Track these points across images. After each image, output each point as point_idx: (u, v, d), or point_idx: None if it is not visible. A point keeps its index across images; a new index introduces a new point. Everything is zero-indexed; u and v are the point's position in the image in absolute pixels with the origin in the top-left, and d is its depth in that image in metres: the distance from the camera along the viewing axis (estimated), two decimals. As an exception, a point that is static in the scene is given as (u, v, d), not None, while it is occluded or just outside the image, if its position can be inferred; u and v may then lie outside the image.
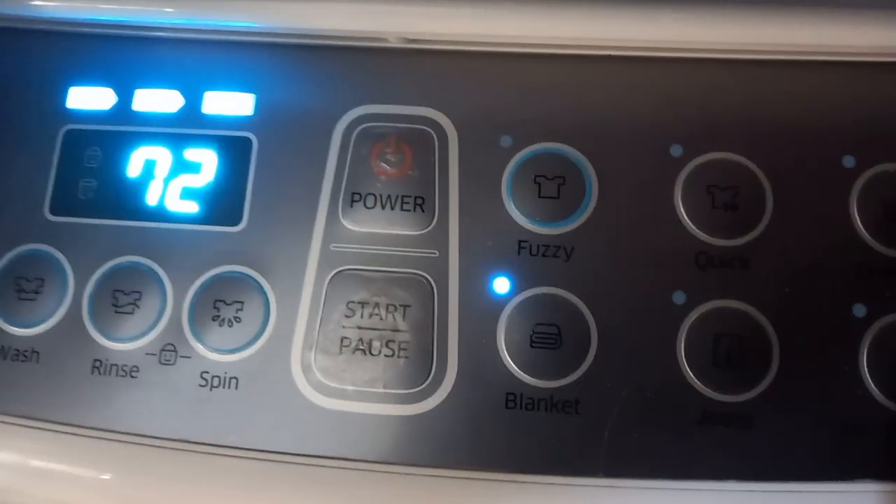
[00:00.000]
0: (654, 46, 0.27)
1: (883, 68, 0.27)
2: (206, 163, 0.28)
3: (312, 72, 0.28)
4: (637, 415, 0.25)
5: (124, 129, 0.29)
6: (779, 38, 0.26)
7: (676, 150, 0.27)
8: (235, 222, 0.27)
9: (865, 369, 0.25)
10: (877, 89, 0.27)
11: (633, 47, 0.27)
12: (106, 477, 0.26)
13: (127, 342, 0.27)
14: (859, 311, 0.26)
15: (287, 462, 0.26)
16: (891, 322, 0.25)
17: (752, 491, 0.25)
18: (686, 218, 0.26)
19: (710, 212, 0.26)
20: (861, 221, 0.26)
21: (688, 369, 0.25)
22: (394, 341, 0.26)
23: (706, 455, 0.25)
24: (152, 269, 0.27)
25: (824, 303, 0.26)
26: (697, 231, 0.26)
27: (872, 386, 0.25)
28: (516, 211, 0.27)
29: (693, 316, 0.26)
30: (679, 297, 0.26)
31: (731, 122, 0.27)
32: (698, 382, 0.25)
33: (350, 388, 0.26)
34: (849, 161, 0.27)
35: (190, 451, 0.26)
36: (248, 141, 0.28)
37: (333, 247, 0.27)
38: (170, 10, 0.28)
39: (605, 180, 0.27)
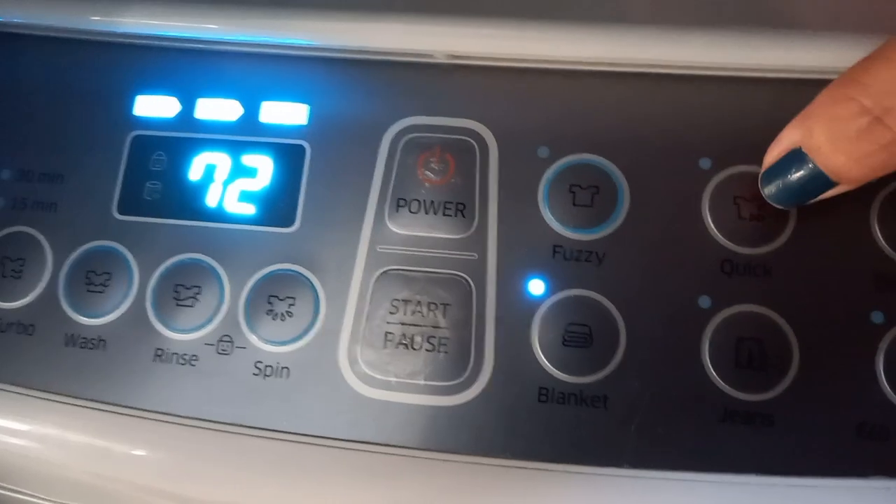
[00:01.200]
0: (685, 65, 0.29)
1: None
2: (263, 168, 0.30)
3: (362, 85, 0.30)
4: (662, 411, 0.26)
5: (187, 135, 0.31)
6: (804, 60, 0.28)
7: (705, 163, 0.28)
8: (289, 224, 0.29)
9: (882, 373, 0.26)
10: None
11: (665, 65, 0.29)
12: (166, 456, 0.28)
13: (187, 333, 0.29)
14: (877, 317, 0.27)
15: (334, 447, 0.27)
16: (908, 329, 0.27)
17: (770, 485, 0.26)
18: (713, 227, 0.28)
19: (737, 222, 0.28)
20: (881, 233, 0.27)
21: (711, 369, 0.27)
22: (434, 337, 0.28)
23: (727, 450, 0.26)
24: (211, 266, 0.29)
25: (843, 309, 0.27)
26: (723, 240, 0.28)
27: (888, 388, 0.26)
28: (552, 217, 0.28)
29: (717, 319, 0.27)
30: (704, 302, 0.27)
31: (758, 138, 0.28)
32: (721, 382, 0.27)
33: (393, 379, 0.28)
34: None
35: (244, 434, 0.28)
36: (301, 148, 0.30)
37: (380, 248, 0.29)
38: (231, 27, 0.31)
39: (637, 190, 0.28)
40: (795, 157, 0.25)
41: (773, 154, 0.26)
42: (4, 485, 0.31)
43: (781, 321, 0.27)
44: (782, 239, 0.28)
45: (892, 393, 0.26)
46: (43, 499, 0.31)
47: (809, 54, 0.28)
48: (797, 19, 0.28)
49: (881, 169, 0.23)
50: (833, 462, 0.26)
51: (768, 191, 0.26)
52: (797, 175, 0.25)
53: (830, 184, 0.24)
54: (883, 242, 0.27)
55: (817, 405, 0.26)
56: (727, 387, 0.27)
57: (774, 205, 0.27)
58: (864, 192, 0.27)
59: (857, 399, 0.26)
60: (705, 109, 0.29)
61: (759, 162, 0.28)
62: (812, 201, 0.26)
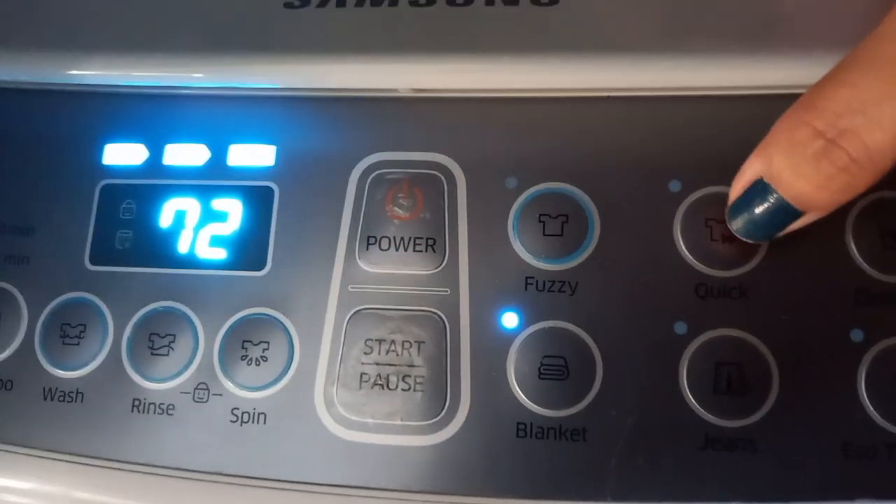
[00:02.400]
0: (648, 88, 0.28)
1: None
2: (233, 211, 0.30)
3: (328, 123, 0.30)
4: (642, 441, 0.26)
5: (156, 182, 0.31)
6: (770, 78, 0.27)
7: (675, 186, 0.28)
8: (260, 267, 0.29)
9: (864, 393, 0.26)
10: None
11: (630, 89, 0.28)
12: (147, 508, 0.28)
13: (163, 382, 0.29)
14: (857, 336, 0.26)
15: (312, 492, 0.27)
16: (888, 346, 0.26)
17: (756, 512, 0.26)
18: (686, 251, 0.27)
19: (710, 244, 0.27)
20: (857, 249, 0.27)
21: (690, 396, 0.26)
22: (410, 376, 0.28)
23: (711, 478, 0.26)
24: (185, 313, 0.29)
25: (822, 329, 0.26)
26: (697, 263, 0.27)
27: (871, 408, 0.26)
28: (522, 249, 0.28)
29: (694, 345, 0.27)
30: (680, 328, 0.27)
31: (728, 157, 0.28)
32: (701, 409, 0.26)
33: (370, 420, 0.27)
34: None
35: (223, 482, 0.27)
36: (270, 190, 0.30)
37: (351, 287, 0.29)
38: (196, 73, 0.30)
39: (607, 217, 0.28)
40: (759, 188, 0.24)
41: (738, 188, 0.25)
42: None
43: (760, 344, 0.27)
44: (757, 260, 0.27)
45: (874, 412, 0.26)
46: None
47: (777, 71, 0.27)
48: (761, 37, 0.28)
49: (844, 192, 0.23)
50: (819, 485, 0.26)
51: (736, 225, 0.26)
52: (762, 207, 0.24)
53: (797, 213, 0.24)
54: (859, 259, 0.27)
55: (800, 428, 0.26)
56: (707, 414, 0.26)
57: (744, 239, 0.26)
58: (839, 208, 0.27)
59: (840, 420, 0.26)
60: (673, 131, 0.28)
61: (730, 182, 0.27)
62: (781, 234, 0.25)
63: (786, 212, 0.24)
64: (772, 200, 0.24)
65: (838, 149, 0.22)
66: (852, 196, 0.23)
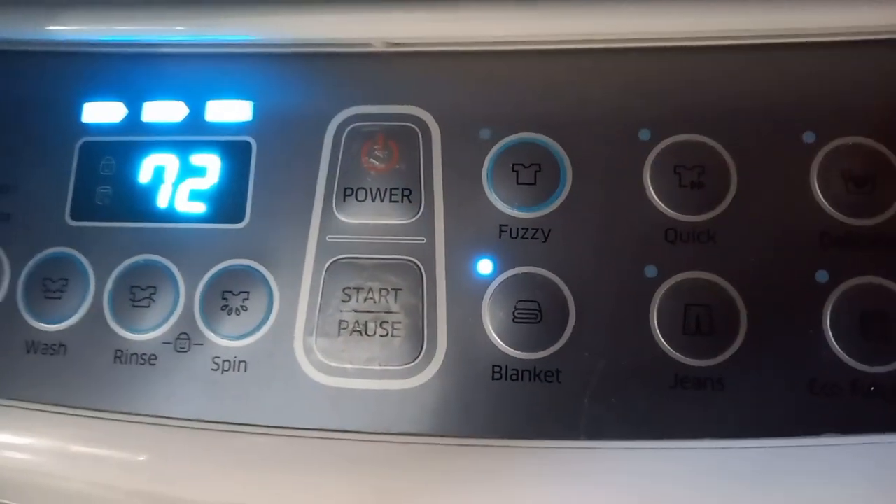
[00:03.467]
0: (618, 38, 0.29)
1: (835, 47, 0.28)
2: (211, 166, 0.30)
3: (304, 78, 0.31)
4: (614, 381, 0.27)
5: (135, 139, 0.31)
6: (733, 25, 0.28)
7: (644, 134, 0.29)
8: (239, 220, 0.30)
9: (829, 331, 0.27)
10: (830, 68, 0.28)
11: (599, 40, 0.29)
12: (129, 456, 0.28)
13: (145, 333, 0.29)
14: (822, 276, 0.27)
15: (293, 436, 0.28)
16: (852, 286, 0.27)
17: (725, 448, 0.26)
18: (655, 197, 0.28)
19: (678, 190, 0.28)
20: (822, 193, 0.28)
21: (661, 337, 0.27)
22: (387, 322, 0.28)
23: (680, 416, 0.26)
24: (165, 266, 0.30)
25: (788, 271, 0.27)
26: (666, 209, 0.28)
27: (836, 347, 0.26)
28: (496, 198, 0.29)
29: (664, 288, 0.27)
30: (651, 271, 0.28)
31: (695, 106, 0.29)
32: (671, 349, 0.27)
33: (349, 366, 0.28)
34: (809, 136, 0.28)
35: (205, 429, 0.28)
36: (247, 144, 0.30)
37: (329, 238, 0.29)
38: (174, 27, 0.31)
39: (579, 165, 0.29)
40: None
41: None
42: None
43: (728, 286, 0.27)
44: (724, 205, 0.28)
45: (840, 350, 0.27)
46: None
47: (736, 19, 0.28)
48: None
49: None
50: (786, 422, 0.26)
51: None
52: None
53: None
54: (824, 202, 0.28)
55: (767, 367, 0.27)
56: (677, 353, 0.27)
57: None
58: (804, 153, 0.28)
59: (806, 358, 0.27)
60: (641, 81, 0.29)
61: (696, 129, 0.28)
62: None
63: None
64: None
65: None
66: None
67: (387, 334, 0.28)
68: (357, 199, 0.29)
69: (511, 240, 0.28)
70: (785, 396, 0.26)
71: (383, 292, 0.28)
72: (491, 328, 0.28)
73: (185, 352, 0.29)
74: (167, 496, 0.28)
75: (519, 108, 0.29)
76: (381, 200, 0.29)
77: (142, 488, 0.29)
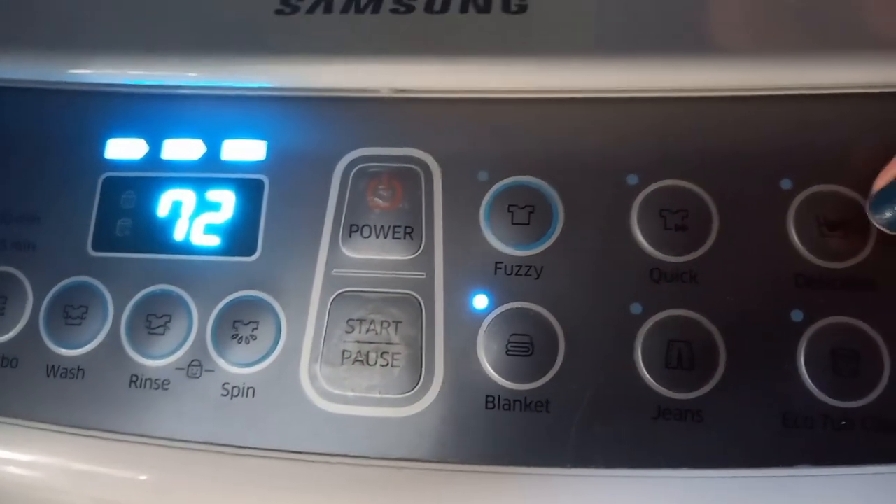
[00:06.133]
0: (608, 90, 0.31)
1: (810, 101, 0.30)
2: (226, 202, 0.32)
3: (315, 121, 0.33)
4: (600, 412, 0.28)
5: (155, 174, 0.33)
6: (715, 80, 0.30)
7: (632, 179, 0.30)
8: (251, 253, 0.31)
9: (803, 368, 0.28)
10: (806, 120, 0.30)
11: (590, 91, 0.31)
12: (143, 477, 0.30)
13: (159, 359, 0.31)
14: (797, 316, 0.29)
15: (297, 460, 0.29)
16: (825, 325, 0.28)
17: (703, 477, 0.28)
18: (641, 238, 0.30)
19: (663, 232, 0.30)
20: (797, 237, 0.29)
21: (644, 371, 0.29)
22: (388, 353, 0.30)
23: (662, 446, 0.28)
24: (180, 296, 0.31)
25: (765, 310, 0.29)
26: (652, 249, 0.30)
27: (810, 382, 0.28)
28: (493, 236, 0.30)
29: (648, 324, 0.29)
30: (636, 308, 0.29)
31: (680, 153, 0.30)
32: (654, 382, 0.28)
33: (351, 394, 0.30)
34: (786, 183, 0.30)
35: (215, 452, 0.29)
36: (261, 182, 0.32)
37: (335, 272, 0.31)
38: (192, 73, 0.33)
39: (570, 207, 0.30)
40: None
41: (886, 178, 0.26)
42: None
43: (708, 323, 0.29)
44: (706, 246, 0.30)
45: (813, 386, 0.28)
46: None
47: (718, 76, 0.30)
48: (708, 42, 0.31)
49: None
50: (761, 453, 0.28)
51: (885, 217, 0.27)
52: None
53: None
54: (800, 245, 0.29)
55: (744, 400, 0.28)
56: (659, 386, 0.28)
57: (888, 231, 0.27)
58: (781, 199, 0.30)
59: (781, 392, 0.28)
60: (631, 129, 0.31)
61: (681, 175, 0.30)
62: None
63: None
64: None
65: None
66: None
67: (387, 364, 0.30)
68: (362, 235, 0.31)
69: (506, 276, 0.30)
70: (761, 428, 0.28)
71: (385, 324, 0.30)
72: (485, 360, 0.29)
73: (197, 378, 0.30)
74: (177, 514, 0.30)
75: (515, 152, 0.31)
76: (385, 237, 0.31)
77: (152, 507, 0.30)
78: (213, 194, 0.32)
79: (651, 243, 0.30)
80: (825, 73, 0.30)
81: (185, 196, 0.32)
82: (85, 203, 0.33)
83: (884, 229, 0.28)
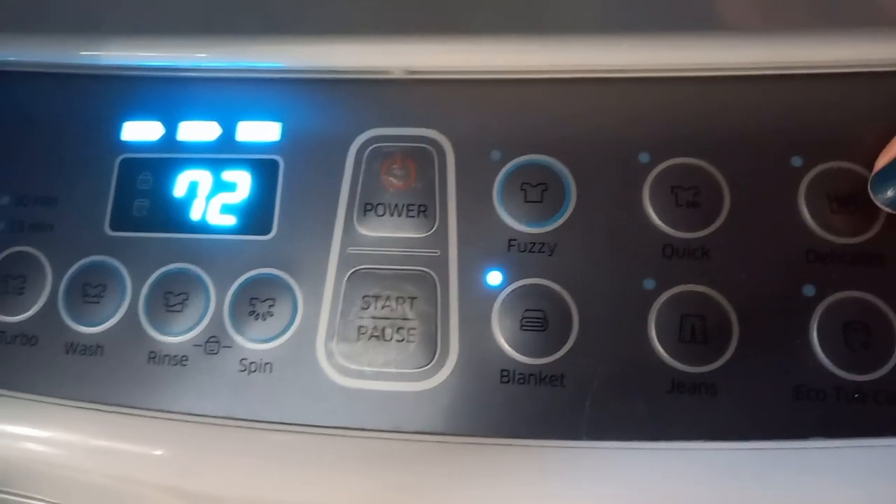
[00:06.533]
0: (620, 69, 0.31)
1: (820, 79, 0.31)
2: (241, 182, 0.32)
3: (329, 102, 0.33)
4: (614, 386, 0.29)
5: (171, 156, 0.33)
6: (725, 58, 0.30)
7: (644, 157, 0.31)
8: (266, 232, 0.32)
9: (815, 341, 0.28)
10: (816, 98, 0.31)
11: (602, 70, 0.31)
12: (161, 452, 0.30)
13: (177, 336, 0.31)
14: (809, 291, 0.29)
15: (314, 433, 0.29)
16: (837, 300, 0.29)
17: (717, 449, 0.28)
18: (653, 215, 0.30)
19: (675, 209, 0.30)
20: (808, 213, 0.30)
21: (658, 345, 0.29)
22: (403, 328, 0.30)
23: (675, 419, 0.28)
24: (197, 274, 0.32)
25: (777, 285, 0.29)
26: (663, 226, 0.30)
27: (822, 355, 0.28)
28: (506, 214, 0.31)
29: (661, 299, 0.29)
30: (649, 284, 0.30)
31: (691, 131, 0.31)
32: (667, 356, 0.29)
33: (367, 369, 0.30)
34: (797, 161, 0.30)
35: (232, 426, 0.30)
36: (275, 163, 0.32)
37: (350, 250, 0.31)
38: (207, 56, 0.33)
39: (583, 185, 0.31)
40: None
41: (886, 158, 0.26)
42: (12, 491, 0.33)
43: (721, 298, 0.29)
44: (718, 223, 0.30)
45: (825, 359, 0.28)
46: (48, 503, 0.33)
47: (731, 54, 0.30)
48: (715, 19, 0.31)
49: None
50: (775, 425, 0.28)
51: (887, 196, 0.27)
52: None
53: None
54: (811, 221, 0.30)
55: (757, 374, 0.28)
56: (673, 360, 0.29)
57: (889, 210, 0.28)
58: (792, 176, 0.30)
59: (793, 366, 0.28)
60: (641, 108, 0.31)
61: (692, 153, 0.30)
62: None
63: None
64: None
65: None
66: None
67: (402, 339, 0.30)
68: (376, 214, 0.31)
69: (519, 253, 0.30)
70: (773, 401, 0.28)
71: (400, 300, 0.30)
72: (500, 335, 0.30)
73: (215, 354, 0.31)
74: (195, 490, 0.30)
75: (527, 131, 0.31)
76: (399, 215, 0.31)
77: (171, 483, 0.30)
78: (228, 175, 0.33)
79: (663, 220, 0.30)
80: (835, 50, 0.30)
81: (201, 177, 0.33)
82: (102, 184, 0.33)
83: (885, 209, 0.28)
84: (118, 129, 0.34)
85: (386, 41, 0.32)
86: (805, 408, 0.28)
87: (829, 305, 0.29)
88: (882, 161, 0.28)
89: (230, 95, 0.34)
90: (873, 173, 0.28)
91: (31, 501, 0.34)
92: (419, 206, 0.31)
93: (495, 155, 0.31)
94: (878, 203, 0.28)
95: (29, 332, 0.32)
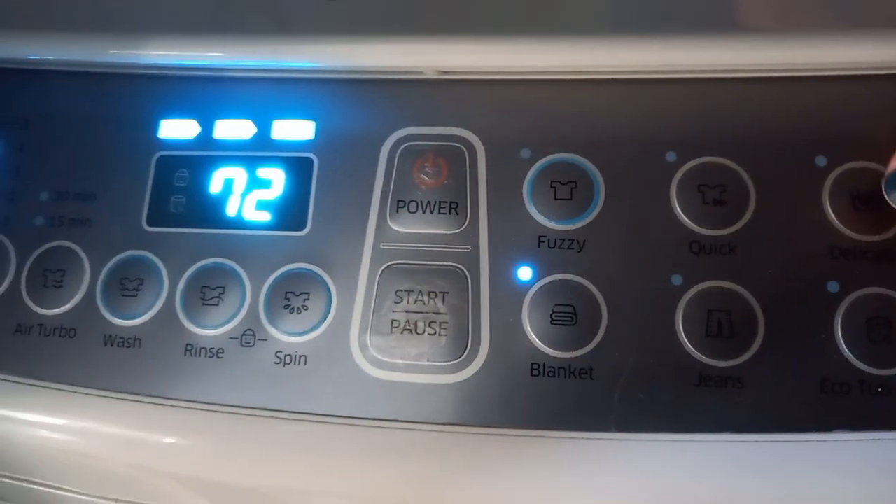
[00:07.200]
0: (648, 69, 0.32)
1: (845, 81, 0.31)
2: (276, 179, 0.33)
3: (362, 101, 0.34)
4: (643, 379, 0.29)
5: (207, 153, 0.34)
6: (752, 59, 0.31)
7: (671, 156, 0.31)
8: (301, 227, 0.32)
9: (840, 336, 0.29)
10: (841, 99, 0.31)
11: (631, 70, 0.32)
12: (198, 442, 0.31)
13: (213, 329, 0.32)
14: (833, 287, 0.29)
15: (347, 425, 0.30)
16: (861, 296, 0.29)
17: (743, 441, 0.28)
18: (681, 213, 0.31)
19: (702, 207, 0.31)
20: (832, 211, 0.30)
21: (685, 340, 0.30)
22: (435, 322, 0.31)
23: (703, 412, 0.29)
24: (233, 268, 0.32)
25: (802, 281, 0.30)
26: (691, 223, 0.31)
27: (846, 350, 0.29)
28: (536, 211, 0.31)
29: (689, 295, 0.30)
30: (677, 280, 0.30)
31: (718, 131, 0.31)
32: (695, 350, 0.29)
33: (400, 361, 0.31)
34: (821, 160, 0.31)
35: (268, 417, 0.30)
36: (310, 160, 0.33)
37: (383, 245, 0.32)
38: (241, 54, 0.34)
39: (611, 183, 0.31)
40: None
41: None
42: (46, 482, 0.34)
43: (747, 294, 0.30)
44: (744, 220, 0.30)
45: (849, 353, 0.29)
46: (85, 495, 0.34)
47: (759, 55, 0.31)
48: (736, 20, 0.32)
49: None
50: (800, 418, 0.29)
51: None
52: None
53: None
54: (835, 219, 0.30)
55: (783, 367, 0.29)
56: (700, 354, 0.29)
57: None
58: (817, 175, 0.31)
59: (818, 360, 0.29)
60: (668, 108, 0.32)
61: (718, 152, 0.31)
62: None
63: None
64: None
65: None
66: None
67: (435, 333, 0.31)
68: (409, 210, 0.32)
69: (549, 249, 0.31)
70: (799, 395, 0.29)
71: (432, 295, 0.31)
72: (530, 329, 0.30)
73: (251, 346, 0.31)
74: (230, 481, 0.31)
75: (557, 130, 0.32)
76: (431, 212, 0.32)
77: (208, 474, 0.31)
78: (263, 172, 0.33)
79: (690, 217, 0.31)
80: (859, 52, 0.31)
81: (236, 174, 0.34)
82: (140, 181, 0.34)
83: None
84: (155, 127, 0.35)
85: (418, 42, 0.33)
86: (830, 401, 0.29)
87: (852, 301, 0.29)
88: (895, 163, 0.28)
89: (265, 95, 0.34)
90: (886, 174, 0.29)
91: (65, 493, 0.34)
92: (451, 203, 0.32)
93: (525, 153, 0.32)
94: (892, 203, 0.29)
95: (67, 325, 0.33)
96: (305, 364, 0.31)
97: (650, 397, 0.29)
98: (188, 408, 0.31)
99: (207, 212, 0.33)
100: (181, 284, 0.33)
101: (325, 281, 0.32)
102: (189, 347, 0.32)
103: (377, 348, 0.31)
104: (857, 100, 0.31)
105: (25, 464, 0.33)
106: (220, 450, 0.31)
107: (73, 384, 0.32)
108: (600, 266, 0.31)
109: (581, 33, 0.32)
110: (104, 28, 0.36)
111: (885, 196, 0.29)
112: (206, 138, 0.34)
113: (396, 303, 0.31)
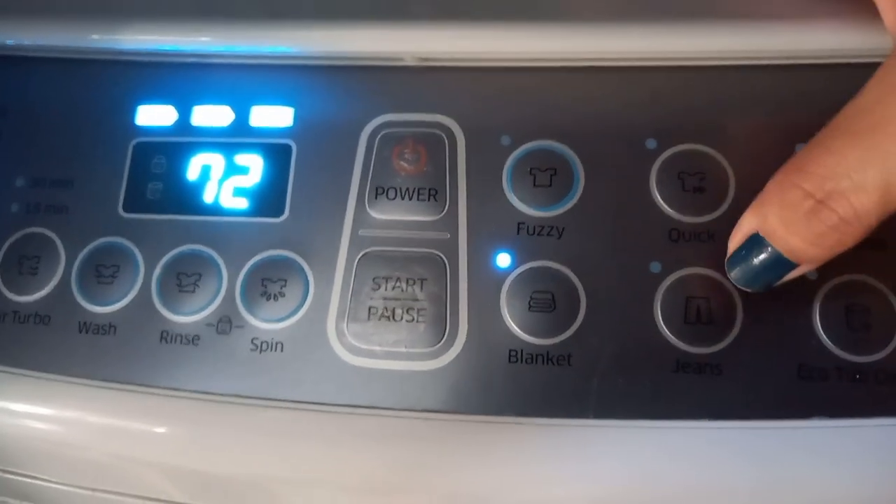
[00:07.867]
0: (628, 56, 0.32)
1: (819, 69, 0.31)
2: (254, 166, 0.33)
3: (341, 87, 0.33)
4: (621, 365, 0.29)
5: (184, 140, 0.34)
6: (729, 46, 0.31)
7: (651, 143, 0.31)
8: (279, 214, 0.32)
9: (818, 323, 0.29)
10: (822, 87, 0.31)
11: (610, 58, 0.32)
12: (173, 429, 0.31)
13: (189, 316, 0.32)
14: (812, 274, 0.29)
15: (324, 412, 0.30)
16: (839, 283, 0.29)
17: (721, 428, 0.28)
18: (660, 200, 0.31)
19: (681, 194, 0.31)
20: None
21: (664, 326, 0.29)
22: (413, 309, 0.31)
23: (681, 398, 0.29)
24: (210, 255, 0.32)
25: (781, 268, 0.30)
26: (670, 211, 0.31)
27: (824, 337, 0.29)
28: (515, 198, 0.31)
29: (667, 282, 0.30)
30: (655, 267, 0.30)
31: (697, 118, 0.31)
32: (673, 337, 0.29)
33: (377, 348, 0.30)
34: (800, 147, 0.31)
35: (244, 405, 0.30)
36: (288, 147, 0.33)
37: (361, 232, 0.32)
38: (219, 40, 0.34)
39: (591, 170, 0.31)
40: (755, 241, 0.26)
41: (735, 240, 0.27)
42: (21, 472, 0.34)
43: (726, 281, 0.30)
44: (723, 208, 0.30)
45: (827, 340, 0.29)
46: (61, 484, 0.34)
47: (735, 41, 0.31)
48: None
49: (836, 247, 0.25)
50: (778, 405, 0.29)
51: (735, 275, 0.28)
52: (759, 258, 0.27)
53: (791, 265, 0.26)
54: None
55: (761, 354, 0.29)
56: (679, 341, 0.29)
57: (743, 288, 0.29)
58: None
59: (796, 347, 0.29)
60: (648, 95, 0.32)
61: (700, 140, 0.31)
62: (779, 283, 0.27)
63: (781, 264, 0.26)
64: (767, 253, 0.26)
65: (827, 209, 0.24)
66: (843, 250, 0.25)
67: (413, 320, 0.30)
68: (388, 197, 0.32)
69: (528, 236, 0.31)
70: (777, 381, 0.29)
71: (410, 282, 0.31)
72: (508, 316, 0.30)
73: (227, 333, 0.31)
74: (206, 468, 0.31)
75: (537, 117, 0.32)
76: (410, 199, 0.32)
77: (183, 461, 0.31)
78: (241, 158, 0.33)
79: (669, 204, 0.31)
80: (834, 39, 0.31)
81: (214, 160, 0.33)
82: (116, 168, 0.34)
83: (739, 286, 0.29)
84: (132, 114, 0.34)
85: (398, 28, 0.33)
86: (808, 388, 0.29)
87: (831, 288, 0.29)
88: (731, 245, 0.28)
89: (243, 81, 0.34)
90: (727, 255, 0.29)
91: (39, 482, 0.34)
92: (430, 189, 0.32)
93: (505, 140, 0.32)
94: (733, 282, 0.29)
95: (42, 312, 0.33)
96: (282, 351, 0.31)
97: (628, 384, 0.29)
98: (164, 395, 0.31)
99: (184, 198, 0.33)
100: (157, 271, 0.32)
101: (302, 267, 0.31)
102: (164, 334, 0.32)
103: (355, 335, 0.31)
104: (833, 87, 0.31)
105: (-1, 453, 0.32)
106: (196, 437, 0.31)
107: (47, 371, 0.32)
108: (579, 253, 0.30)
109: (561, 21, 0.32)
110: (80, 13, 0.35)
111: (728, 274, 0.29)
112: (183, 125, 0.34)
113: (374, 289, 0.31)
